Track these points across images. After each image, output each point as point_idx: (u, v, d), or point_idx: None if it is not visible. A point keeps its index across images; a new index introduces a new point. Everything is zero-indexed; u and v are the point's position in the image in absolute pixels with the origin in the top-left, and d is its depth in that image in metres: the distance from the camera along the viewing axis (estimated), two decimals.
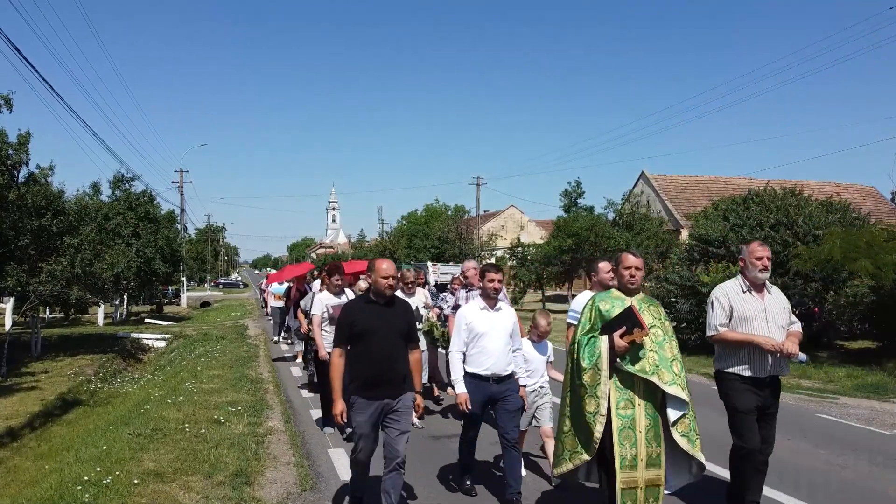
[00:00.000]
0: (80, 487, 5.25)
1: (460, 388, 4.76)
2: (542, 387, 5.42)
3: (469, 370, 4.82)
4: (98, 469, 5.76)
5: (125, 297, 31.72)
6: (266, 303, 22.45)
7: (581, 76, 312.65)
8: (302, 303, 9.75)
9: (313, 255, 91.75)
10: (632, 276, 4.05)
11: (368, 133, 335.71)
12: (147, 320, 29.56)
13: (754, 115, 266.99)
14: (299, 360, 12.03)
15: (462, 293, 7.43)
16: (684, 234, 27.87)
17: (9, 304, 15.65)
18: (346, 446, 6.71)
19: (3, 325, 15.78)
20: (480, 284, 5.03)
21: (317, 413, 8.38)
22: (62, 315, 26.67)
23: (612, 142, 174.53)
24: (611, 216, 32.29)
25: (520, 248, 34.07)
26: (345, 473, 5.79)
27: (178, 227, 39.26)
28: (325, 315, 7.11)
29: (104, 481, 5.36)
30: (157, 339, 21.20)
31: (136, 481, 5.40)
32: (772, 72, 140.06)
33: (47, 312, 27.47)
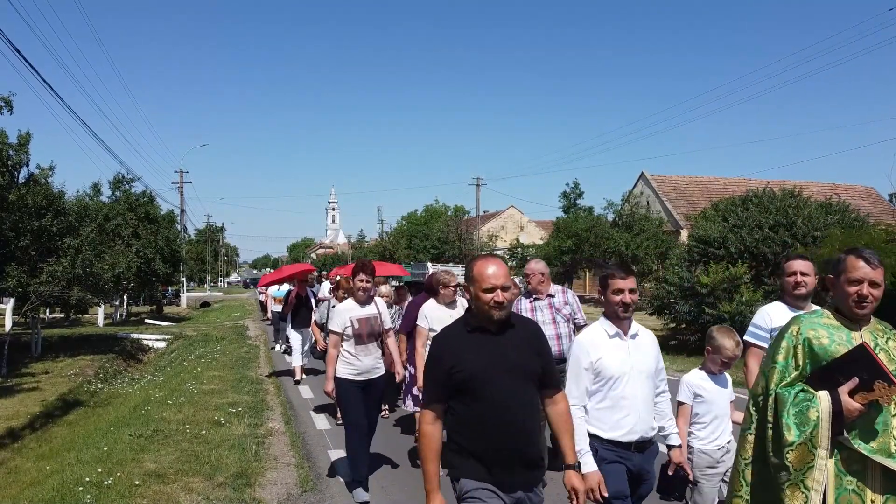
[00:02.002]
0: (81, 488, 5.28)
1: (589, 464, 3.03)
2: (729, 441, 3.71)
3: (598, 434, 3.14)
4: (99, 470, 5.79)
5: (125, 297, 31.74)
6: (264, 307, 19.79)
7: (581, 76, 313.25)
8: (317, 315, 8.25)
9: (313, 256, 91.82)
10: (861, 295, 2.51)
11: (368, 133, 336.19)
12: (147, 321, 29.58)
13: (754, 115, 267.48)
14: (298, 376, 10.77)
15: (524, 303, 5.70)
16: (684, 235, 27.91)
17: (9, 305, 15.68)
18: None
19: (4, 326, 15.81)
20: (603, 296, 3.27)
21: (319, 416, 8.40)
22: (62, 316, 26.72)
23: (612, 142, 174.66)
24: (610, 217, 32.30)
25: (519, 249, 34.12)
26: (346, 475, 5.83)
27: (178, 227, 39.27)
28: (349, 331, 5.25)
29: (105, 482, 5.39)
30: (157, 340, 21.22)
31: (137, 482, 5.43)
32: (771, 73, 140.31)
33: (47, 313, 27.50)
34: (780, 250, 13.41)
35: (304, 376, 10.84)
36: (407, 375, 6.14)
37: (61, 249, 15.42)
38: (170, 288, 43.07)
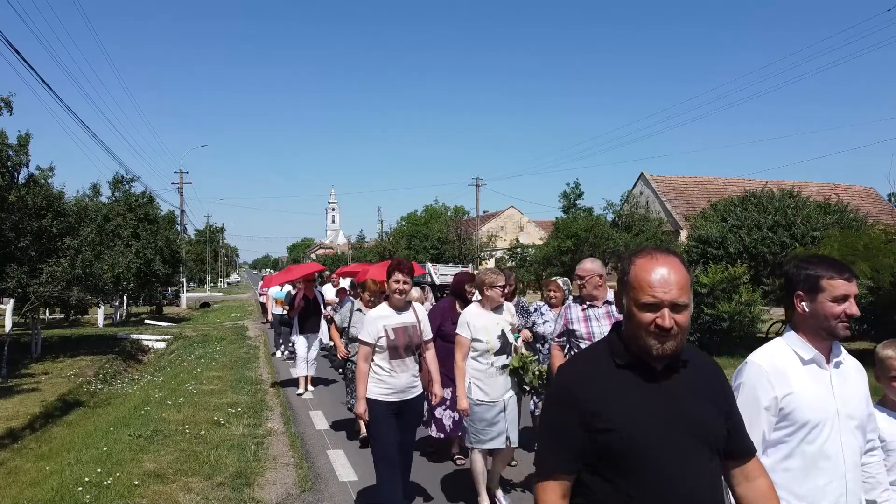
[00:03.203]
0: (80, 488, 5.30)
1: None
2: None
3: None
4: (99, 470, 5.80)
5: (125, 298, 31.75)
6: (265, 309, 18.41)
7: (580, 77, 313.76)
8: (338, 318, 7.55)
9: (313, 256, 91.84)
10: None
11: (368, 133, 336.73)
12: (147, 321, 29.59)
13: (754, 115, 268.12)
14: (302, 388, 9.94)
15: (576, 311, 4.63)
16: (683, 235, 27.93)
17: (9, 306, 15.69)
18: (345, 447, 6.75)
19: (4, 327, 15.81)
20: (806, 305, 2.23)
21: (317, 415, 8.41)
22: (62, 316, 26.75)
23: (612, 143, 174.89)
24: (610, 217, 32.32)
25: (519, 249, 34.16)
26: (343, 474, 5.84)
27: (178, 228, 39.29)
28: (382, 342, 4.41)
29: (105, 482, 5.40)
30: (156, 341, 21.23)
31: (136, 482, 5.44)
32: (772, 73, 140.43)
33: (47, 314, 27.53)
34: (778, 250, 13.43)
35: (310, 388, 10.00)
36: (431, 396, 5.18)
37: (61, 250, 15.44)
38: (170, 288, 43.08)
